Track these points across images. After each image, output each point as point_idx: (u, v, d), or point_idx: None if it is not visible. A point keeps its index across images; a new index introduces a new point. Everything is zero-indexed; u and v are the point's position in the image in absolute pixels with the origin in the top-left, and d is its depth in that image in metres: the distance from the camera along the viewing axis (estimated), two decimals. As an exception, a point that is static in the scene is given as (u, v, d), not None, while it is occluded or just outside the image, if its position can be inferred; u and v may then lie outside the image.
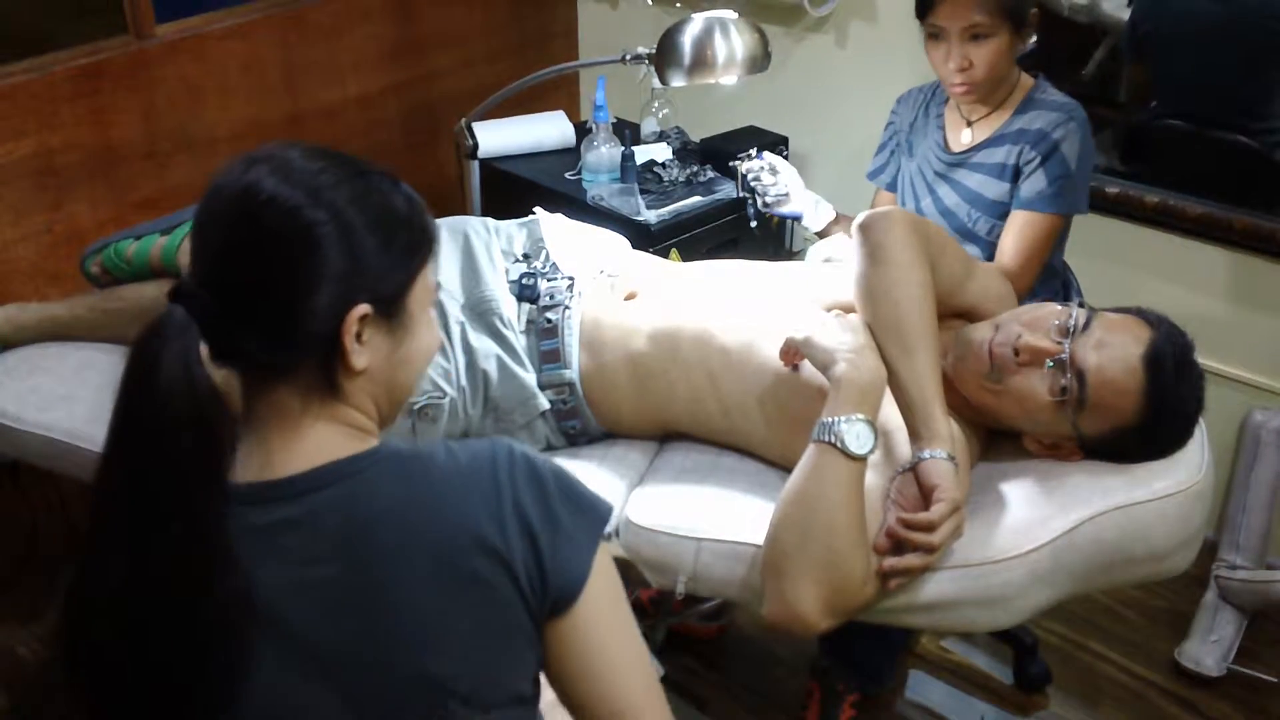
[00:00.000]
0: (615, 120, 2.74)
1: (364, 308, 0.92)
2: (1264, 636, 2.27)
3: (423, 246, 0.98)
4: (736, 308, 1.61)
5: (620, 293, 1.69)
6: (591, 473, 1.58)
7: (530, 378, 1.61)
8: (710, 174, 2.60)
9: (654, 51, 1.97)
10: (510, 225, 1.81)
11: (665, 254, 2.40)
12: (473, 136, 2.20)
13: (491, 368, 1.60)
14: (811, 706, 2.04)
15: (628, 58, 2.02)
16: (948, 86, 1.90)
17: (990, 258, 1.87)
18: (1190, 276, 2.35)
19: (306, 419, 0.93)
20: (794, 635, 1.29)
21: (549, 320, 1.64)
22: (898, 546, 1.30)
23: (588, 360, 1.63)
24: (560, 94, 3.18)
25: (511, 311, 1.64)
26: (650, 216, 2.45)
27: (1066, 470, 1.43)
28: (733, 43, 1.94)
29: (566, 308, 1.65)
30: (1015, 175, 1.87)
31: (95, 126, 2.32)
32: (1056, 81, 1.96)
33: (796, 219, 2.03)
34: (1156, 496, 1.38)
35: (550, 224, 1.80)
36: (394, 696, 0.90)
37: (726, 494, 1.52)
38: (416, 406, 1.56)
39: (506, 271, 1.70)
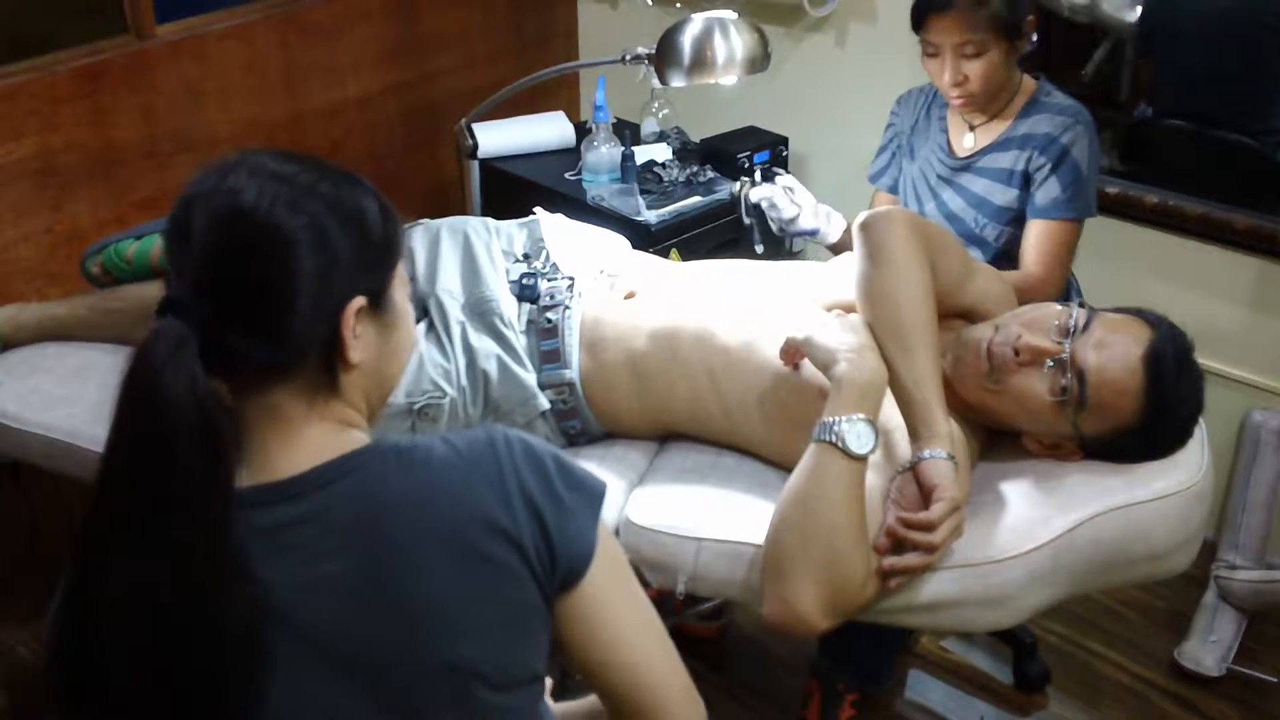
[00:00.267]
0: (615, 120, 2.74)
1: (360, 300, 0.94)
2: (1264, 637, 2.27)
3: (397, 239, 1.00)
4: (737, 307, 1.61)
5: (620, 293, 1.69)
6: (592, 472, 1.58)
7: (530, 378, 1.61)
8: (710, 174, 2.60)
9: (654, 52, 1.97)
10: (510, 225, 1.81)
11: (665, 254, 2.40)
12: (473, 137, 2.20)
13: (492, 368, 1.60)
14: (811, 706, 2.04)
15: (628, 58, 2.02)
16: (946, 98, 1.90)
17: (996, 263, 1.87)
18: (1190, 277, 2.35)
19: (305, 419, 0.94)
20: (794, 635, 1.29)
21: (549, 320, 1.64)
22: (898, 546, 1.30)
23: (588, 360, 1.63)
24: (560, 94, 3.18)
25: (512, 311, 1.65)
26: (650, 216, 2.45)
27: (1066, 470, 1.43)
28: (732, 43, 1.94)
29: (567, 308, 1.65)
30: (1025, 182, 1.87)
31: (96, 127, 2.31)
32: (1056, 81, 1.96)
33: (812, 235, 1.97)
34: (1156, 496, 1.38)
35: (550, 224, 1.81)
36: (418, 685, 0.91)
37: (727, 494, 1.52)
38: (417, 406, 1.56)
39: (507, 271, 1.70)
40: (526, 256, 1.75)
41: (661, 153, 2.69)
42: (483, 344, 1.61)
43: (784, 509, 1.31)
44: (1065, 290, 1.96)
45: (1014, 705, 2.15)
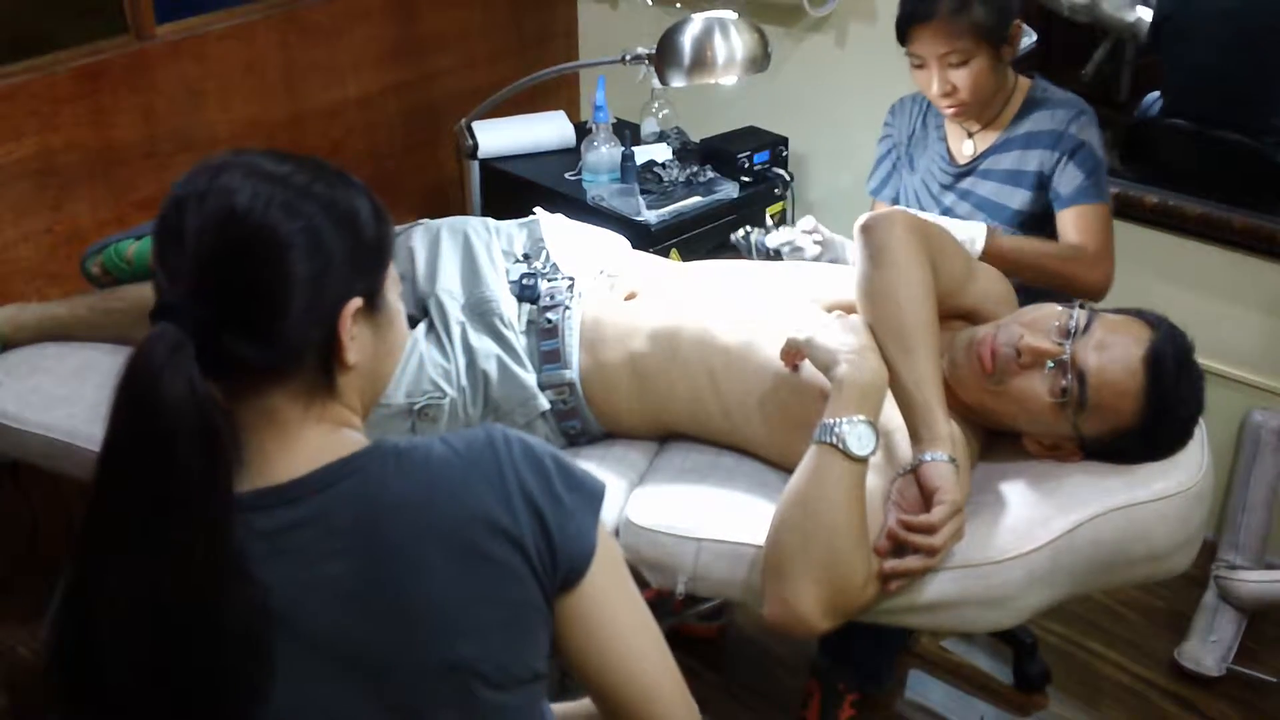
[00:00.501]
0: (615, 120, 2.74)
1: (357, 301, 0.94)
2: (1263, 637, 2.27)
3: (390, 239, 1.00)
4: (737, 308, 1.61)
5: (620, 293, 1.69)
6: (591, 473, 1.58)
7: (530, 378, 1.61)
8: (710, 174, 2.60)
9: (654, 52, 1.98)
10: (510, 225, 1.81)
11: (665, 254, 2.40)
12: (473, 136, 2.21)
13: (492, 368, 1.60)
14: (811, 706, 2.04)
15: (628, 58, 2.02)
16: (938, 108, 1.90)
17: None
18: (1190, 277, 2.35)
19: (302, 422, 0.93)
20: (794, 636, 1.29)
21: (549, 320, 1.64)
22: (898, 548, 1.30)
23: (588, 360, 1.63)
24: (560, 94, 3.18)
25: (512, 312, 1.64)
26: (650, 217, 2.45)
27: (1066, 471, 1.43)
28: (732, 43, 1.95)
29: (567, 308, 1.65)
30: (1038, 182, 1.86)
31: (96, 127, 2.31)
32: (1056, 81, 1.96)
33: (838, 262, 1.88)
34: (1156, 497, 1.38)
35: (550, 224, 1.81)
36: (419, 685, 0.91)
37: (727, 494, 1.52)
38: (417, 407, 1.56)
39: (507, 272, 1.70)
40: (526, 257, 1.75)
41: (661, 153, 2.69)
42: (483, 344, 1.61)
43: (784, 510, 1.31)
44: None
45: (1014, 705, 2.15)
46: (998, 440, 1.52)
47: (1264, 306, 2.29)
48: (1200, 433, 1.46)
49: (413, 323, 1.68)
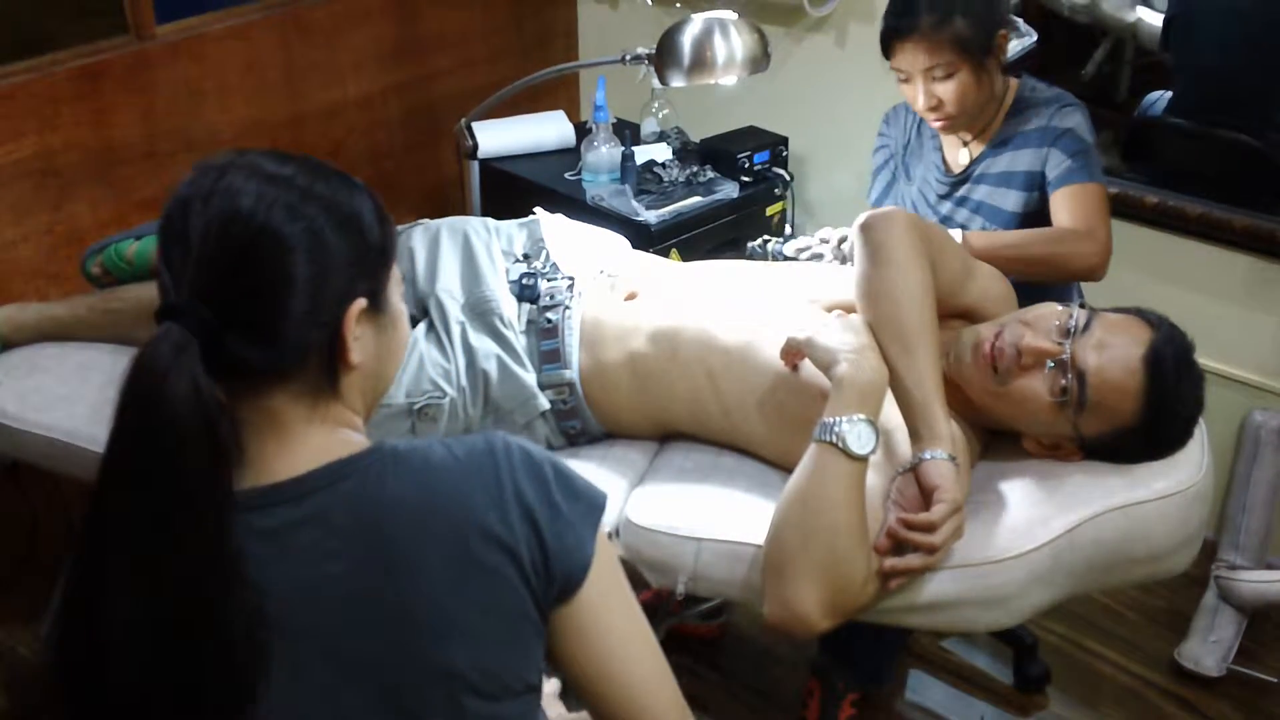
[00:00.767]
0: (615, 120, 2.74)
1: (360, 302, 0.94)
2: (1264, 637, 2.27)
3: (392, 239, 1.00)
4: (737, 307, 1.61)
5: (620, 293, 1.69)
6: (591, 472, 1.58)
7: (530, 378, 1.61)
8: (710, 174, 2.60)
9: (654, 52, 1.97)
10: (510, 225, 1.81)
11: (665, 254, 2.40)
12: (473, 137, 2.21)
13: (491, 368, 1.60)
14: (811, 705, 2.04)
15: (628, 58, 2.02)
16: (927, 121, 1.90)
17: None
18: (1190, 277, 2.35)
19: (304, 423, 0.94)
20: (795, 636, 1.29)
21: (549, 320, 1.64)
22: (898, 547, 1.30)
23: (588, 360, 1.63)
24: (560, 94, 3.18)
25: (512, 311, 1.64)
26: (650, 217, 2.44)
27: (1067, 470, 1.43)
28: (732, 43, 1.94)
29: (567, 308, 1.65)
30: (1035, 182, 1.85)
31: (96, 127, 2.31)
32: (1057, 81, 1.96)
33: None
34: (1157, 497, 1.38)
35: (550, 224, 1.81)
36: (411, 690, 0.91)
37: (727, 494, 1.52)
38: (417, 406, 1.56)
39: (506, 271, 1.70)
40: (526, 256, 1.75)
41: (661, 153, 2.69)
42: (482, 344, 1.61)
43: (784, 509, 1.31)
44: (1066, 291, 1.96)
45: (1014, 705, 2.15)
46: (998, 440, 1.52)
47: (1264, 306, 2.29)
48: (1200, 432, 1.46)
49: (412, 322, 1.68)
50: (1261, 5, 2.36)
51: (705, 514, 1.47)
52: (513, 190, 2.65)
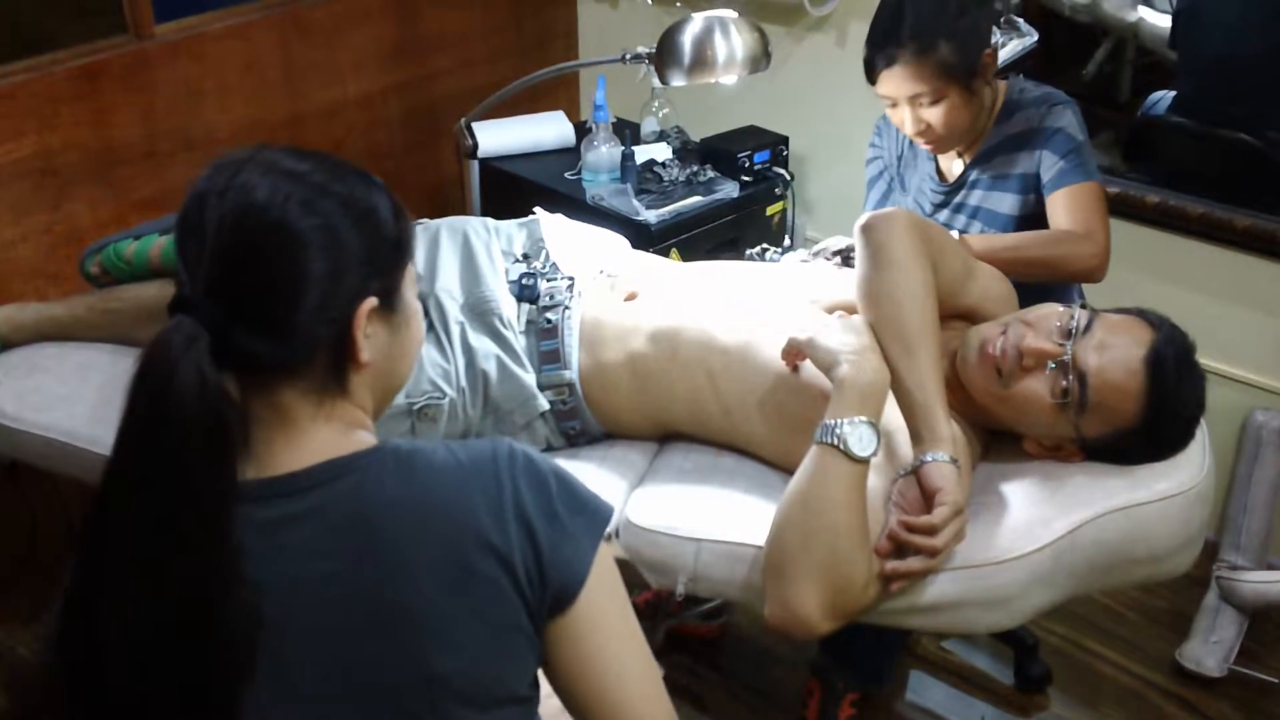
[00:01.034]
0: (615, 120, 2.74)
1: (372, 301, 0.93)
2: (1265, 637, 2.26)
3: (409, 237, 1.00)
4: (737, 308, 1.60)
5: (620, 293, 1.68)
6: (591, 473, 1.58)
7: (530, 378, 1.61)
8: (710, 174, 2.60)
9: (654, 51, 1.97)
10: (510, 225, 1.81)
11: (665, 254, 2.40)
12: (472, 136, 2.20)
13: (491, 368, 1.59)
14: (811, 705, 2.04)
15: (628, 57, 2.02)
16: (917, 144, 1.89)
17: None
18: (1191, 277, 2.35)
19: (312, 419, 0.94)
20: (795, 637, 1.28)
21: (549, 320, 1.64)
22: (899, 549, 1.30)
23: (587, 361, 1.62)
24: (560, 94, 3.18)
25: (511, 312, 1.64)
26: (650, 216, 2.44)
27: (1068, 471, 1.43)
28: (733, 42, 1.94)
29: (566, 308, 1.65)
30: (1029, 185, 1.84)
31: (95, 126, 2.31)
32: (1057, 81, 1.95)
33: None
34: (1158, 498, 1.38)
35: (550, 224, 1.80)
36: (396, 693, 0.90)
37: (727, 494, 1.52)
38: (416, 407, 1.56)
39: (506, 272, 1.70)
40: (526, 256, 1.75)
41: (661, 152, 2.69)
42: (482, 344, 1.61)
43: (785, 511, 1.31)
44: (1067, 291, 1.95)
45: (1015, 706, 2.15)
46: (999, 441, 1.51)
47: (1265, 307, 2.28)
48: (1201, 433, 1.46)
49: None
50: (1271, 1, 2.35)
51: (705, 515, 1.47)
52: (513, 190, 2.65)
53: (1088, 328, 1.38)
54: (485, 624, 0.91)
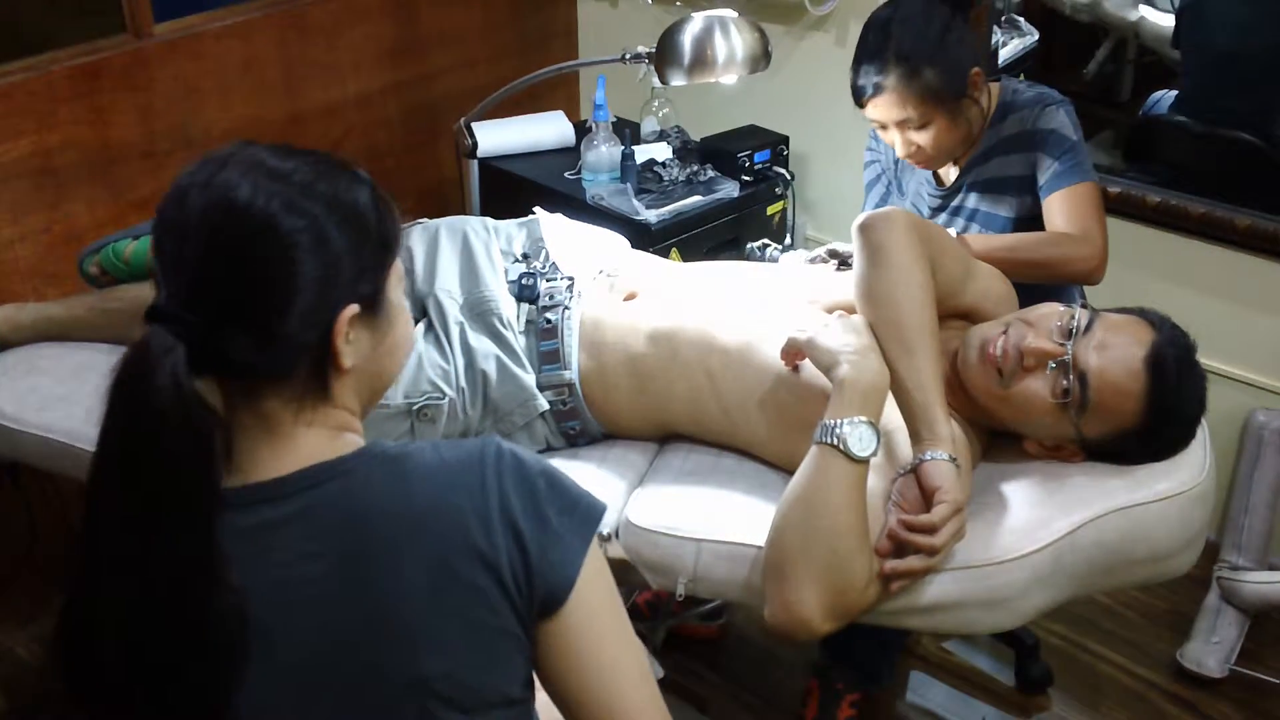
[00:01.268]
0: (615, 119, 2.73)
1: (353, 308, 0.92)
2: (1266, 638, 2.26)
3: (395, 234, 0.98)
4: (737, 308, 1.60)
5: (620, 293, 1.68)
6: (591, 473, 1.58)
7: (529, 378, 1.60)
8: (711, 173, 2.59)
9: (654, 50, 1.97)
10: (510, 225, 1.81)
11: (665, 254, 2.40)
12: (472, 136, 2.20)
13: (490, 368, 1.59)
14: (810, 705, 2.03)
15: (628, 57, 2.01)
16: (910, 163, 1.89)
17: None
18: (1192, 276, 2.34)
19: (296, 426, 0.92)
20: (796, 638, 1.28)
21: (548, 320, 1.63)
22: (899, 549, 1.29)
23: (587, 361, 1.62)
24: (560, 93, 3.18)
25: (511, 312, 1.64)
26: (650, 216, 2.44)
27: (1068, 471, 1.43)
28: (733, 42, 1.94)
29: (566, 308, 1.64)
30: (1027, 186, 1.84)
31: (93, 126, 2.31)
32: (1058, 80, 1.95)
33: None
34: (1158, 498, 1.38)
35: (550, 224, 1.80)
36: (382, 696, 0.89)
37: (727, 495, 1.52)
38: (415, 407, 1.56)
39: (506, 271, 1.70)
40: (526, 256, 1.74)
41: (661, 152, 2.68)
42: (481, 344, 1.60)
43: (785, 512, 1.30)
44: (1067, 291, 1.95)
45: (1016, 707, 2.14)
46: (999, 441, 1.51)
47: (1266, 306, 2.28)
48: (1202, 433, 1.45)
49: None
50: (1259, 7, 2.35)
51: (705, 515, 1.47)
52: (512, 190, 2.64)
53: (1088, 327, 1.38)
54: (472, 628, 0.90)
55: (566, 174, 2.68)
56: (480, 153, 2.24)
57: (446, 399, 1.57)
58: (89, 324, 1.83)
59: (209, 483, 0.86)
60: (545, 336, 1.63)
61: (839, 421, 1.29)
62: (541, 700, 0.99)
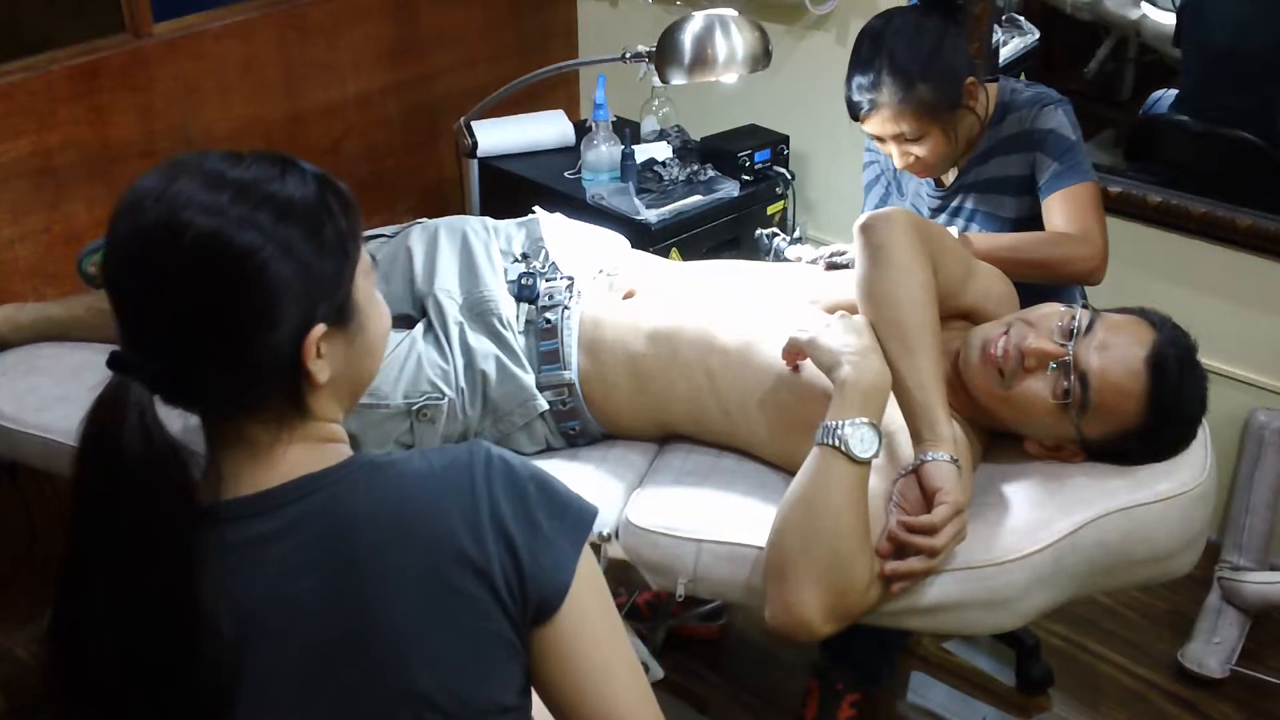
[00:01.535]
0: (615, 119, 2.73)
1: (320, 328, 0.89)
2: (1267, 638, 2.26)
3: (355, 232, 0.94)
4: (737, 307, 1.60)
5: (619, 291, 1.68)
6: (591, 474, 1.58)
7: (529, 379, 1.60)
8: (711, 173, 2.59)
9: (654, 50, 1.96)
10: (509, 225, 1.80)
11: (665, 254, 2.39)
12: (472, 136, 2.19)
13: (490, 368, 1.59)
14: (810, 705, 2.03)
15: (628, 56, 2.01)
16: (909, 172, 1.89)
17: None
18: (1193, 276, 2.34)
19: (277, 445, 0.91)
20: (797, 640, 1.28)
21: (548, 320, 1.63)
22: (899, 550, 1.29)
23: (587, 361, 1.62)
24: (560, 93, 3.17)
25: (510, 312, 1.63)
26: (650, 216, 2.44)
27: (1069, 472, 1.42)
28: (733, 41, 1.93)
29: (566, 308, 1.64)
30: (1026, 186, 1.84)
31: (93, 126, 2.31)
32: (1058, 79, 1.94)
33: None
34: (1159, 498, 1.37)
35: (549, 223, 1.80)
36: (377, 706, 0.89)
37: (727, 495, 1.51)
38: (415, 408, 1.55)
39: (505, 271, 1.69)
40: (525, 256, 1.74)
41: (662, 151, 2.68)
42: (481, 345, 1.60)
43: (786, 513, 1.30)
44: (1068, 291, 1.95)
45: (1016, 707, 2.14)
46: (1000, 441, 1.51)
47: (1267, 306, 2.28)
48: (1203, 433, 1.45)
49: (410, 323, 1.67)
50: (1261, 6, 2.35)
51: (705, 515, 1.46)
52: (512, 189, 2.64)
53: (1089, 328, 1.38)
54: (464, 638, 0.89)
55: (566, 173, 2.67)
56: (480, 152, 2.24)
57: (446, 399, 1.56)
58: (88, 324, 1.83)
59: (185, 517, 0.85)
60: (545, 336, 1.62)
61: (840, 422, 1.29)
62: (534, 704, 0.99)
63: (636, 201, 2.46)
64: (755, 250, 1.97)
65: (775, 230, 1.95)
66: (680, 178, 2.56)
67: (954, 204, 1.93)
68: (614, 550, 1.49)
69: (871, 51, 1.76)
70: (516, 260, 1.72)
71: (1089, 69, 2.80)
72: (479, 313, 1.63)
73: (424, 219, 1.81)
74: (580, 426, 1.64)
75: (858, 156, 2.15)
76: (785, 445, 1.49)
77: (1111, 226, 1.81)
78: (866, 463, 1.29)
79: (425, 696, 0.88)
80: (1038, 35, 2.56)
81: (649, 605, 2.20)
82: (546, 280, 1.68)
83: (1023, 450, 1.47)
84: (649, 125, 2.80)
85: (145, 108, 2.37)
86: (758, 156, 2.59)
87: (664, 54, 1.94)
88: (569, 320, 1.63)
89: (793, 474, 1.33)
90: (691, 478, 1.57)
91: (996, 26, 2.50)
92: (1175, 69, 2.57)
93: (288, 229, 0.87)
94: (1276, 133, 2.33)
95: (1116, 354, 1.35)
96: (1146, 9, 2.68)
